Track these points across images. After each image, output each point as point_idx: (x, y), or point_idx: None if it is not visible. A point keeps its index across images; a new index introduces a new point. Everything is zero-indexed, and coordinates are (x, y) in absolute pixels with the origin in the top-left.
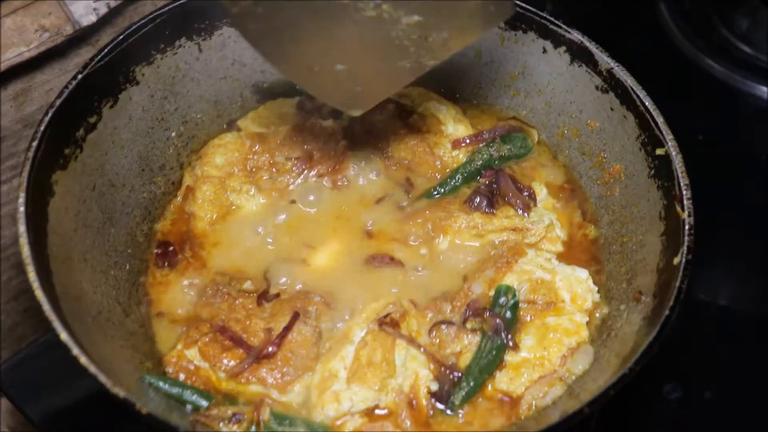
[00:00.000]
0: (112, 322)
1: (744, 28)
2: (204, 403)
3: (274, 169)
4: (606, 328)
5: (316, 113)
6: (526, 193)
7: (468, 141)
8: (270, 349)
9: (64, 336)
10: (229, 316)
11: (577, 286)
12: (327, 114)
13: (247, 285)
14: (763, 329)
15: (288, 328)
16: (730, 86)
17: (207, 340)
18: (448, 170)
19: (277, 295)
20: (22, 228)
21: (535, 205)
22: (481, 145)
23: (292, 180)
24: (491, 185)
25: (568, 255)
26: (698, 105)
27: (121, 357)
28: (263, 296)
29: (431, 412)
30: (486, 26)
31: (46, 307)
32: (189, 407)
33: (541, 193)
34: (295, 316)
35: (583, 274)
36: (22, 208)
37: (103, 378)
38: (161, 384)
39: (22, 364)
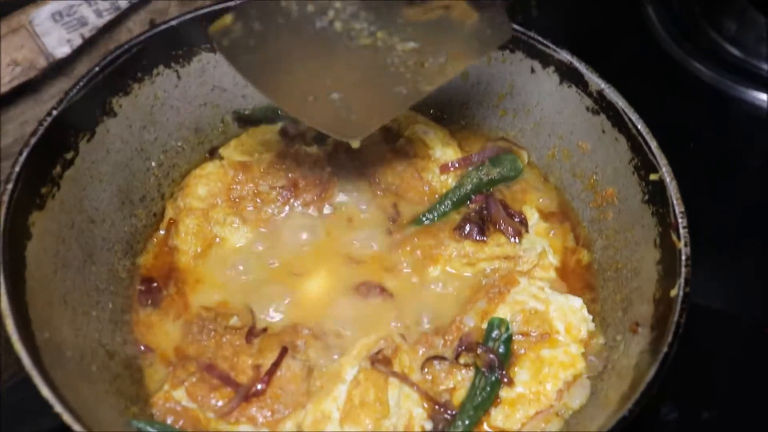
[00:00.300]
0: (96, 366)
1: (733, 31)
2: None
3: (258, 199)
4: (602, 360)
5: (299, 139)
6: (517, 219)
7: (456, 165)
8: (259, 386)
9: (45, 392)
10: (216, 353)
11: (571, 315)
12: (311, 140)
13: (234, 321)
14: (762, 342)
15: (276, 364)
16: (720, 90)
17: (194, 380)
18: (437, 195)
19: (265, 330)
20: None
21: (527, 231)
22: (470, 168)
23: (277, 210)
24: (481, 211)
25: (562, 282)
26: (687, 110)
27: (106, 403)
28: (251, 332)
29: None
30: (483, 50)
31: (27, 362)
32: None
33: (533, 218)
34: (284, 352)
35: (576, 302)
36: None
37: None
38: (149, 429)
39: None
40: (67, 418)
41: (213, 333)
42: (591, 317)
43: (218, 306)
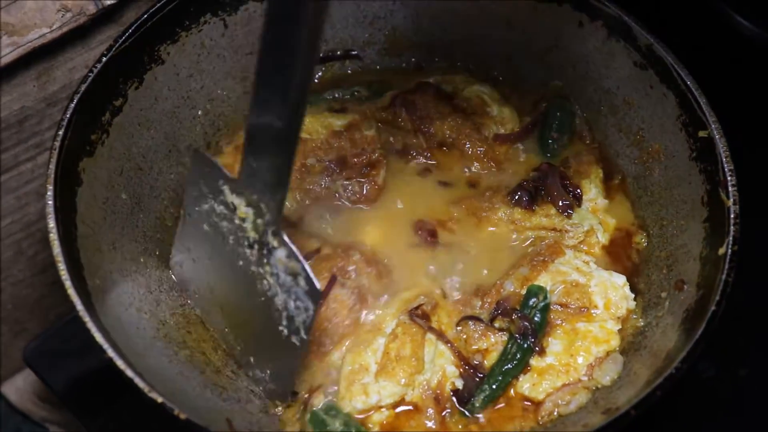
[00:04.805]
0: (144, 312)
1: None
2: None
3: (303, 169)
4: (641, 333)
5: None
6: (571, 194)
7: (513, 137)
8: None
9: (99, 338)
10: None
11: (612, 292)
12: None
13: None
14: None
15: (324, 295)
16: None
17: None
18: (497, 152)
19: (318, 251)
20: (51, 223)
21: (579, 206)
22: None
23: (319, 181)
24: (539, 180)
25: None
26: (731, 67)
27: (155, 349)
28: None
29: (449, 410)
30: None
31: (80, 307)
32: None
33: (590, 192)
34: (332, 281)
35: (619, 280)
36: (50, 202)
37: (140, 382)
38: None
39: (46, 337)
40: (120, 363)
41: None
42: (633, 295)
43: None
